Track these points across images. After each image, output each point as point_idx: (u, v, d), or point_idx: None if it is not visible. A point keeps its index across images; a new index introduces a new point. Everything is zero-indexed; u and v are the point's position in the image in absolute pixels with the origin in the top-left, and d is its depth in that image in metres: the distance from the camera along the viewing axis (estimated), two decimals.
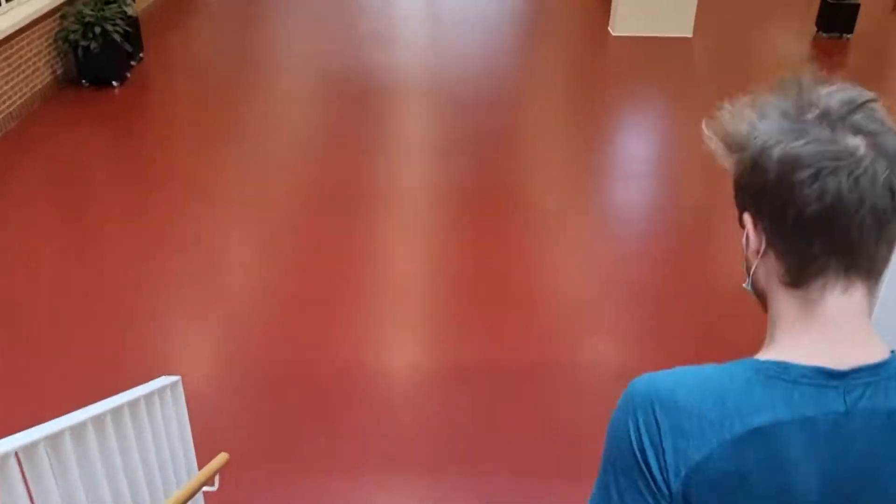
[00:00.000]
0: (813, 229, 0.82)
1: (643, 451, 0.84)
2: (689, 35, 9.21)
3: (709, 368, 0.87)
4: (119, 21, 7.06)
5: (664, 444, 0.83)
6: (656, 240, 5.07)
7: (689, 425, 0.82)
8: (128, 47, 7.22)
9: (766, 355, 0.88)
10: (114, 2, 7.29)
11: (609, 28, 9.46)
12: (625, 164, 6.14)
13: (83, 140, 6.22)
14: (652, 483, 0.83)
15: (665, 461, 0.83)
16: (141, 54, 7.95)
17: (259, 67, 7.83)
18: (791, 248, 0.86)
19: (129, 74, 7.48)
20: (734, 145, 0.89)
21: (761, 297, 0.92)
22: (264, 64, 7.95)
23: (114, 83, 7.23)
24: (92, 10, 6.95)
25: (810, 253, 0.84)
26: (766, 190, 0.85)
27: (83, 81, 7.22)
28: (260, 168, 5.77)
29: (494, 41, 9.00)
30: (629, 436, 0.86)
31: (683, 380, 0.87)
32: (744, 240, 0.91)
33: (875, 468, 0.82)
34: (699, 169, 5.73)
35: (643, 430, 0.84)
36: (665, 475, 0.82)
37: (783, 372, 0.84)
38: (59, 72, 7.16)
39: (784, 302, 0.88)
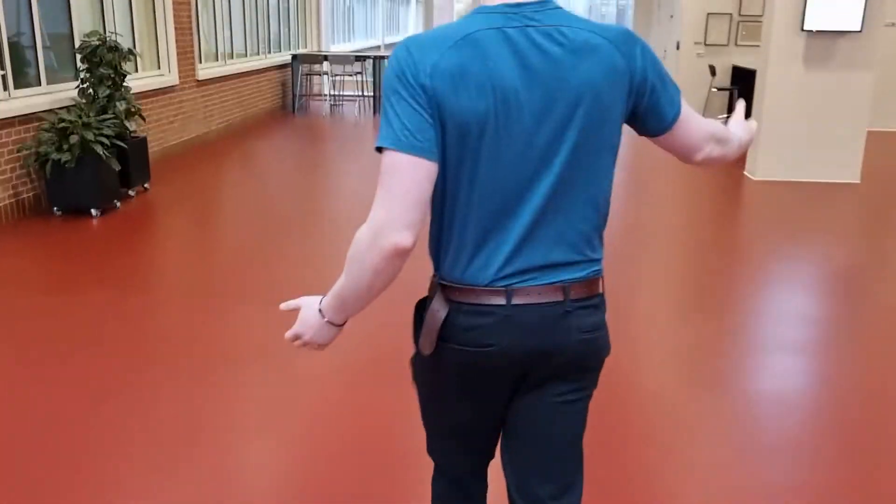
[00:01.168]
0: None
1: (403, 73, 1.21)
2: (857, 181, 7.03)
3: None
4: (107, 132, 5.33)
5: (416, 61, 1.21)
6: (819, 459, 2.56)
7: (429, 46, 1.22)
8: (116, 166, 5.41)
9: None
10: (109, 112, 5.63)
11: (746, 172, 7.37)
12: (769, 332, 3.75)
13: (14, 290, 4.23)
14: (413, 89, 1.20)
15: (417, 70, 1.20)
16: (146, 184, 6.19)
17: (291, 225, 5.91)
18: None
19: (118, 204, 5.66)
20: None
21: None
22: (297, 221, 6.05)
23: (93, 212, 5.39)
24: (71, 116, 5.25)
25: None
26: None
27: (54, 209, 5.41)
28: (287, 385, 3.61)
29: None
30: (394, 70, 1.23)
31: (428, 31, 1.26)
32: None
33: (556, 65, 1.22)
34: (865, 340, 3.31)
35: (403, 63, 1.22)
36: (419, 80, 1.20)
37: (483, 8, 1.25)
38: (24, 195, 5.39)
39: None
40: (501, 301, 1.26)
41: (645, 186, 6.97)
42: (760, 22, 10.24)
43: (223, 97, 8.99)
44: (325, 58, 10.99)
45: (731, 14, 10.25)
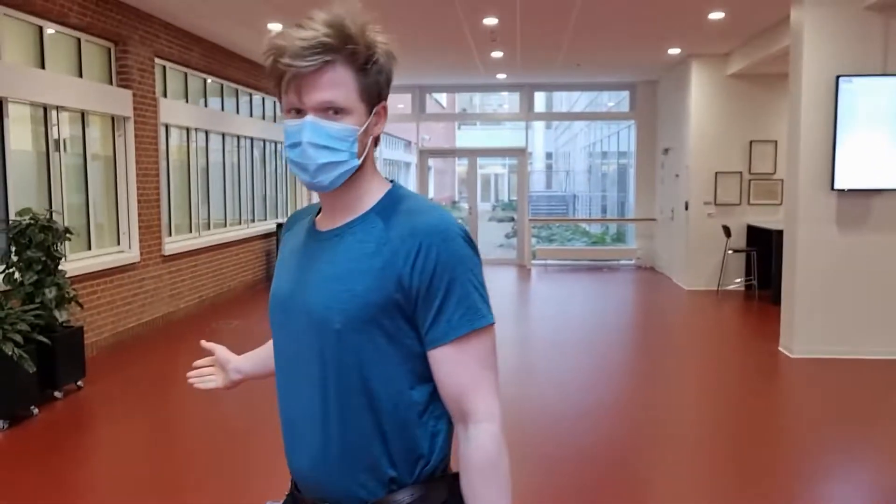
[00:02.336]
0: None
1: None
2: None
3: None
4: (23, 326, 4.45)
5: None
6: None
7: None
8: (30, 367, 4.48)
9: None
10: (37, 300, 4.79)
11: (782, 348, 6.40)
12: None
13: None
14: None
15: None
16: (79, 381, 5.24)
17: (250, 438, 4.94)
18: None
19: (35, 410, 4.69)
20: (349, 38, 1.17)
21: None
22: (259, 431, 5.06)
23: None
24: None
25: None
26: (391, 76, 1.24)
27: None
28: None
29: (608, 365, 6.01)
30: (471, 244, 1.21)
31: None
32: (374, 126, 1.23)
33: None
34: None
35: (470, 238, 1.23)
36: None
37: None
38: None
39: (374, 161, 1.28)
40: None
41: (656, 368, 5.98)
42: (773, 180, 9.64)
43: (195, 272, 8.23)
44: None
45: (741, 172, 9.68)
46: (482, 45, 8.70)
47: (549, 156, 31.94)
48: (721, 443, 4.32)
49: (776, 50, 7.55)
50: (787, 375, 5.75)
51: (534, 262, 12.72)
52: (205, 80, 8.79)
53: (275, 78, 1.18)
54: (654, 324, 7.97)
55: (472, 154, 13.84)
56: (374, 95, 1.21)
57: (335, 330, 1.17)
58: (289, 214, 11.84)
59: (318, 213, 1.32)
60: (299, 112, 1.18)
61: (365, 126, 1.20)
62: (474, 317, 1.17)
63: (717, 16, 7.29)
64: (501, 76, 11.42)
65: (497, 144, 17.75)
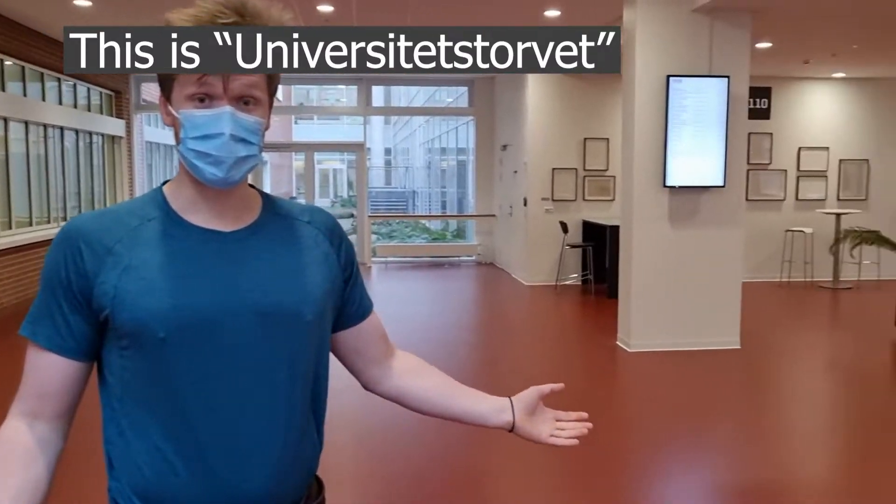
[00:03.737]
0: None
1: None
2: (737, 346, 6.36)
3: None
4: None
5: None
6: None
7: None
8: None
9: None
10: None
11: (619, 342, 6.54)
12: None
13: None
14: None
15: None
16: None
17: None
18: None
19: None
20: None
21: None
22: None
23: None
24: None
25: None
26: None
27: None
28: None
29: (451, 363, 5.87)
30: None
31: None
32: (268, 120, 1.18)
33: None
34: None
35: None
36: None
37: None
38: None
39: None
40: None
41: (499, 365, 5.92)
42: (606, 177, 9.95)
43: None
44: None
45: (576, 169, 9.92)
46: None
47: (388, 151, 31.83)
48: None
49: None
50: (626, 369, 5.85)
51: (374, 259, 12.47)
52: (1, 62, 7.77)
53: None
54: (496, 320, 7.95)
55: (309, 148, 13.37)
56: (275, 89, 1.18)
57: (307, 322, 1.17)
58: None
59: (162, 215, 1.16)
60: (203, 101, 1.09)
61: (267, 119, 1.16)
62: (366, 288, 1.36)
63: (553, 14, 7.34)
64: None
65: (335, 139, 17.33)
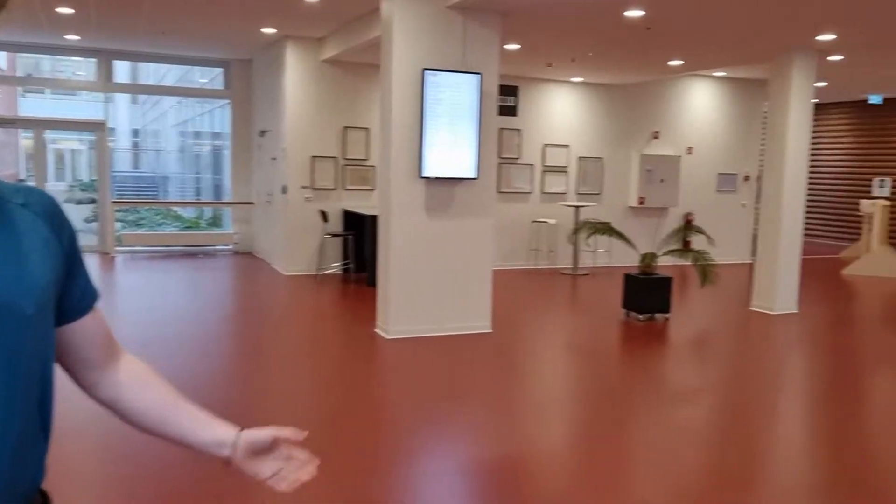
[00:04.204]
0: None
1: None
2: (489, 329, 6.71)
3: None
4: None
5: None
6: None
7: None
8: None
9: None
10: None
11: (378, 330, 6.60)
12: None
13: None
14: None
15: None
16: None
17: None
18: None
19: None
20: None
21: None
22: None
23: None
24: None
25: None
26: None
27: None
28: None
29: (206, 361, 5.56)
30: None
31: None
32: None
33: None
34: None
35: None
36: None
37: None
38: None
39: None
40: None
41: (258, 358, 5.73)
42: (367, 166, 10.01)
43: None
44: None
45: (336, 157, 9.86)
46: None
47: (135, 133, 29.55)
48: (322, 422, 4.20)
49: (368, 39, 7.75)
50: (384, 355, 5.92)
51: (118, 248, 11.50)
52: None
53: None
54: (253, 312, 7.68)
55: (40, 125, 11.97)
56: None
57: (28, 316, 1.04)
58: None
59: None
60: None
61: None
62: (91, 279, 1.24)
63: (312, 0, 7.21)
64: (73, 37, 9.99)
65: (71, 116, 15.69)
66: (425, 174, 6.28)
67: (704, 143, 12.06)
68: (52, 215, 1.14)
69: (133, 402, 1.25)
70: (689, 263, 7.72)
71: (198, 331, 6.58)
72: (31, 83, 20.13)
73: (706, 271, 7.37)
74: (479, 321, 6.68)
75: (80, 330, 1.21)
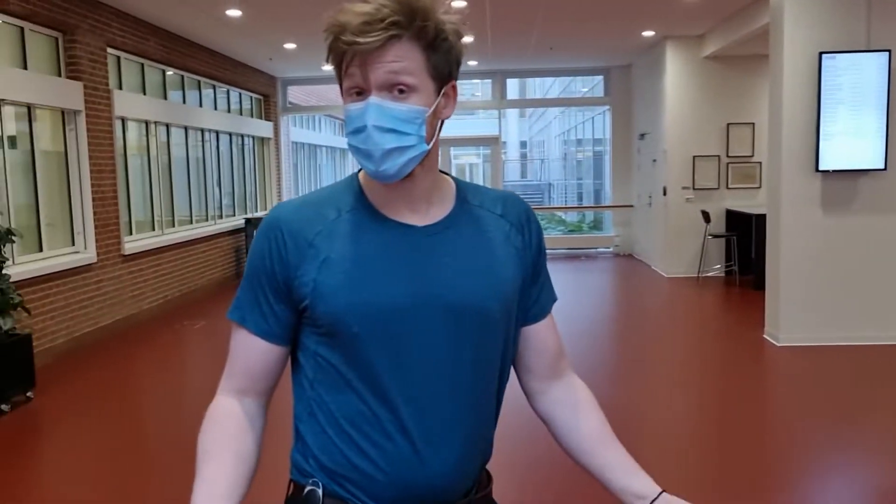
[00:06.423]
0: None
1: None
2: None
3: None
4: None
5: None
6: None
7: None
8: None
9: None
10: None
11: (767, 336, 6.22)
12: None
13: None
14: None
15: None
16: (29, 392, 4.91)
17: None
18: None
19: None
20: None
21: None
22: None
23: None
24: None
25: None
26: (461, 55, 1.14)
27: None
28: None
29: (592, 356, 5.79)
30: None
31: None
32: (443, 108, 1.14)
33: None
34: None
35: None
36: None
37: None
38: None
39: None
40: None
41: (640, 359, 5.76)
42: (752, 163, 9.47)
43: (159, 271, 7.88)
44: None
45: (718, 156, 9.49)
46: None
47: (523, 144, 31.73)
48: (708, 436, 4.10)
49: (754, 29, 7.35)
50: (775, 364, 5.56)
51: None
52: (163, 72, 8.41)
53: (336, 57, 1.09)
54: (636, 313, 7.77)
55: (445, 144, 13.56)
56: (444, 73, 1.12)
57: (495, 319, 1.17)
58: (261, 209, 11.50)
59: (358, 206, 1.18)
60: (361, 94, 1.08)
61: (434, 107, 1.11)
62: (550, 290, 1.32)
63: None
64: (472, 63, 11.14)
65: (470, 133, 17.50)
66: (822, 167, 5.75)
67: None
68: (525, 226, 1.23)
69: (569, 426, 1.29)
70: None
71: (585, 328, 6.87)
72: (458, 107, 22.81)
73: None
74: (891, 332, 5.90)
75: (532, 337, 1.28)
